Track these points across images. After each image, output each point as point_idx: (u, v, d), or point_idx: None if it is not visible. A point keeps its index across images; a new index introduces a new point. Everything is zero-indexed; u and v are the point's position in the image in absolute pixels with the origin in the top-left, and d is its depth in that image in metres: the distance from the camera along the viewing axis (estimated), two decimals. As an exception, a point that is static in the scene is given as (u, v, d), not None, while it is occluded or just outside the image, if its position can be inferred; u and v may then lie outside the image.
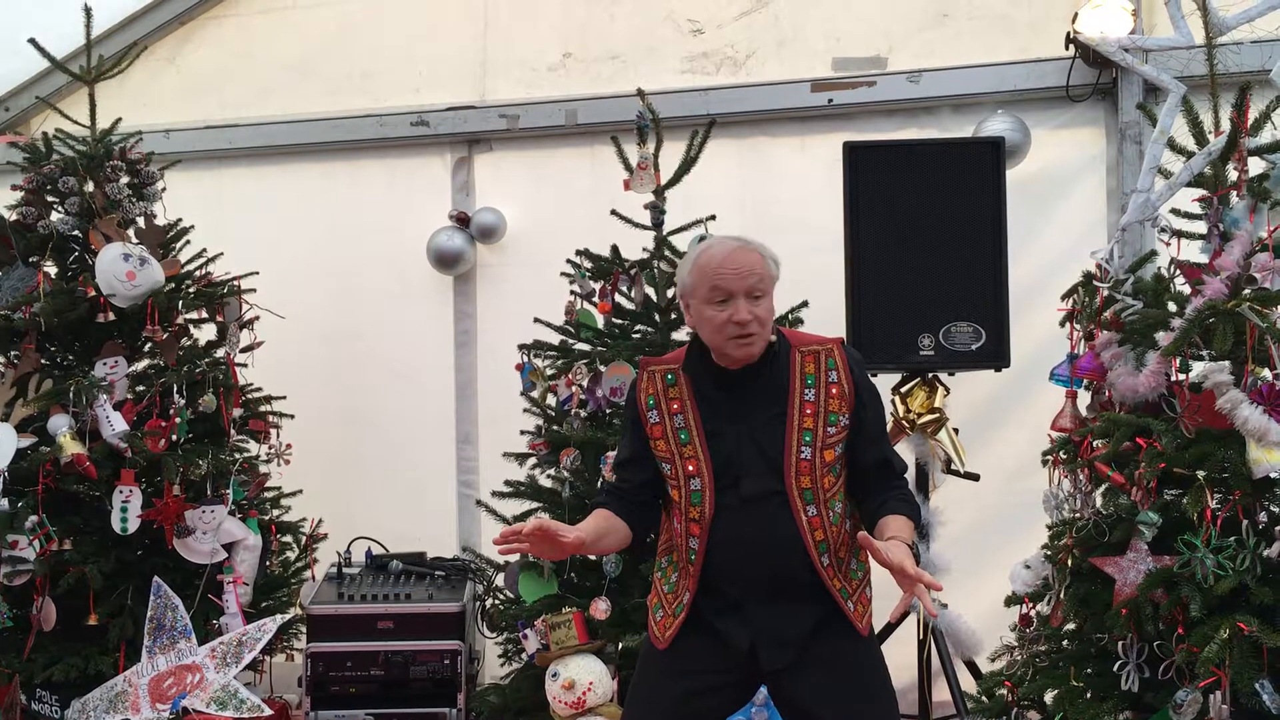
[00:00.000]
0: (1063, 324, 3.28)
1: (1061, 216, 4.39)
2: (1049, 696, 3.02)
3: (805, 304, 3.84)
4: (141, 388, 3.99)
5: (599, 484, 3.53)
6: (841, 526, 2.45)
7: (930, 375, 3.68)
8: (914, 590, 2.15)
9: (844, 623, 2.44)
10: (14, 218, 4.03)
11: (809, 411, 2.40)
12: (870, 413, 2.48)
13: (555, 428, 3.84)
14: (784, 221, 4.42)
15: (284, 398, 4.36)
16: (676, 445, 2.44)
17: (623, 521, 2.47)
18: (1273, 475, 2.63)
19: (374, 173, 5.08)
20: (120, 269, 3.87)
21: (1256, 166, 2.96)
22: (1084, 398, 3.23)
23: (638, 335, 3.89)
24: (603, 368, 3.71)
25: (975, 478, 3.69)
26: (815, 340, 2.51)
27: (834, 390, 2.42)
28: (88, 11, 4.18)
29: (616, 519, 2.46)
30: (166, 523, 3.73)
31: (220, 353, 4.16)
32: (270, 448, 4.26)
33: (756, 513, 2.38)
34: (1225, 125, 2.97)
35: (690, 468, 2.42)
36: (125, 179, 4.10)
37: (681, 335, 3.80)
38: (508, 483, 3.94)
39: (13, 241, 4.00)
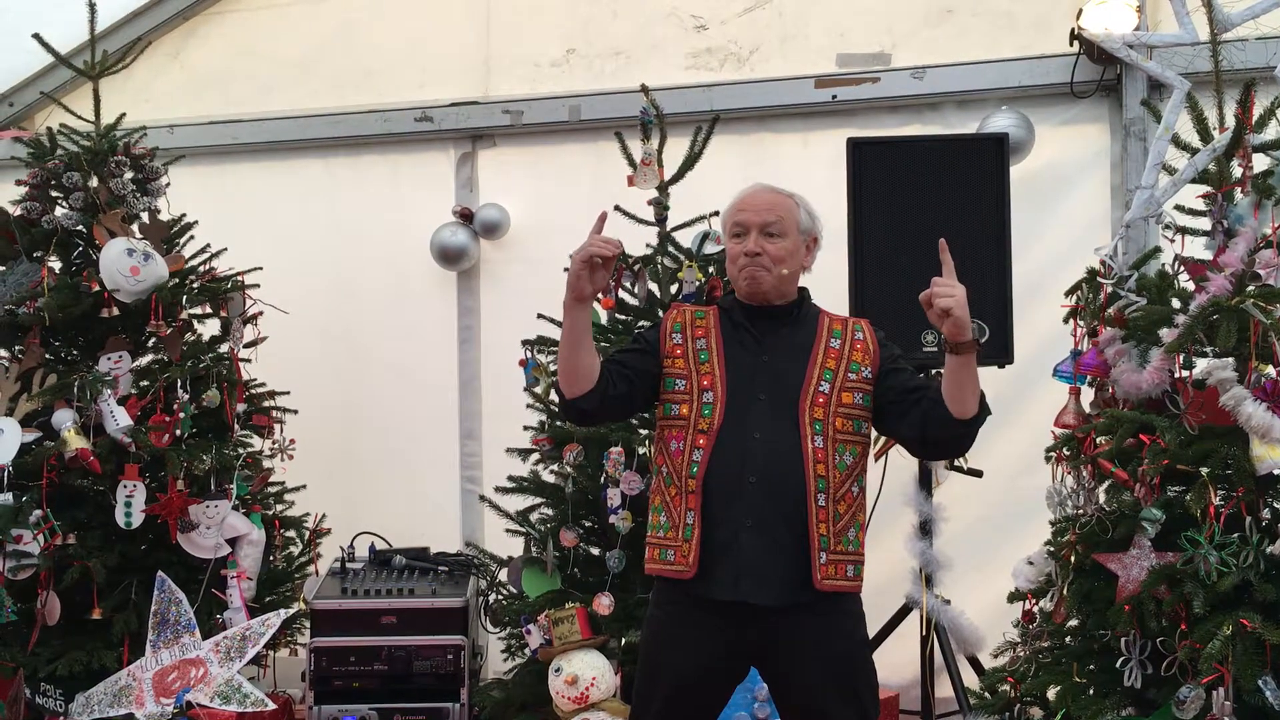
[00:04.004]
0: (1066, 320, 3.27)
1: (1065, 213, 4.38)
2: (1051, 693, 3.02)
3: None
4: (145, 383, 4.00)
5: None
6: (848, 482, 2.50)
7: (934, 372, 3.67)
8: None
9: (827, 594, 2.44)
10: (18, 213, 4.04)
11: (832, 355, 2.55)
12: (906, 363, 2.61)
13: (558, 423, 3.83)
14: (787, 218, 4.42)
15: (287, 393, 4.36)
16: (695, 364, 2.56)
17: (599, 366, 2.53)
18: (1276, 472, 2.63)
19: (378, 169, 5.08)
20: (124, 264, 3.87)
21: (1261, 163, 2.96)
22: (1087, 394, 3.22)
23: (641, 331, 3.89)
24: (606, 363, 3.70)
25: (978, 474, 3.68)
26: (844, 316, 2.69)
27: (858, 345, 2.58)
28: (92, 7, 4.19)
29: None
30: (170, 517, 3.74)
31: (224, 348, 4.16)
32: (274, 443, 4.26)
33: (765, 431, 2.46)
34: (1230, 122, 2.96)
35: (705, 383, 2.53)
36: (129, 174, 4.09)
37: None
38: (511, 478, 3.94)
39: (17, 237, 4.01)
